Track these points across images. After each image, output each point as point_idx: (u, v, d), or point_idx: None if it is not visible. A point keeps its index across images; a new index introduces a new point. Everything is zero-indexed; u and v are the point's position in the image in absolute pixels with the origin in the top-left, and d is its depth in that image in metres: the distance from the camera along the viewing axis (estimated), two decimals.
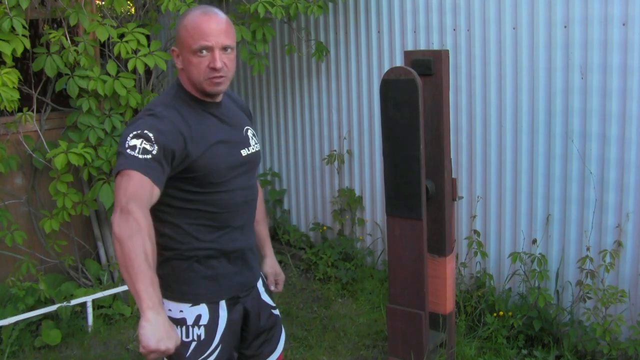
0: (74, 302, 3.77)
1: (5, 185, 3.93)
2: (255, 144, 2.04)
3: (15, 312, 3.64)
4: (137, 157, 1.69)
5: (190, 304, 1.92)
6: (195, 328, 1.92)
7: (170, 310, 1.91)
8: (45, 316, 3.74)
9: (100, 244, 4.22)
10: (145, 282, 1.53)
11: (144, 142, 1.71)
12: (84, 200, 3.90)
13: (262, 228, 2.26)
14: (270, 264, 2.29)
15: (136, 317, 3.93)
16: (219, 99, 1.95)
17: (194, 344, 1.91)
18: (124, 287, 3.96)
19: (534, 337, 3.39)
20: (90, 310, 3.81)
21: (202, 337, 1.92)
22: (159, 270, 1.76)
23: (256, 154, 2.03)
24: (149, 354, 1.52)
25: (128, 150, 1.71)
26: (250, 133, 2.04)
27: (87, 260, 4.18)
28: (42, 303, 3.75)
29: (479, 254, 3.66)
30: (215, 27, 1.81)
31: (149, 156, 1.70)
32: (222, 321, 1.95)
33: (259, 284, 2.14)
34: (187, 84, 1.90)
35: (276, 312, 2.21)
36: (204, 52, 1.81)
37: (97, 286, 4.02)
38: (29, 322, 3.70)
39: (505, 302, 3.55)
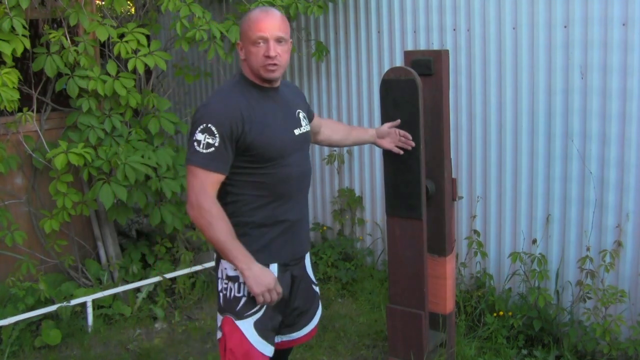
0: (74, 302, 3.77)
1: (5, 185, 3.93)
2: (306, 125, 2.32)
3: (15, 312, 3.65)
4: (202, 152, 2.07)
5: None
6: (245, 285, 2.15)
7: (226, 268, 2.21)
8: (45, 316, 3.74)
9: (100, 244, 4.22)
10: (233, 252, 2.08)
11: (207, 136, 2.06)
12: (84, 200, 3.90)
13: (355, 130, 2.74)
14: (378, 128, 2.69)
15: (136, 317, 3.94)
16: (276, 84, 2.23)
17: (244, 299, 2.19)
18: (124, 287, 3.97)
19: (534, 337, 3.39)
20: (90, 310, 3.81)
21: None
22: None
23: (307, 134, 2.32)
24: (260, 296, 2.10)
25: (195, 145, 2.08)
26: (301, 115, 2.31)
27: (87, 260, 4.18)
28: (42, 303, 3.75)
29: (479, 254, 3.66)
30: (270, 21, 2.11)
31: (212, 149, 2.06)
32: None
33: (307, 257, 2.39)
34: (249, 72, 2.20)
35: (316, 288, 2.46)
36: (261, 42, 2.10)
37: (97, 286, 4.02)
38: (29, 322, 3.70)
39: (505, 302, 3.55)
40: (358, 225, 4.53)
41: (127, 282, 4.11)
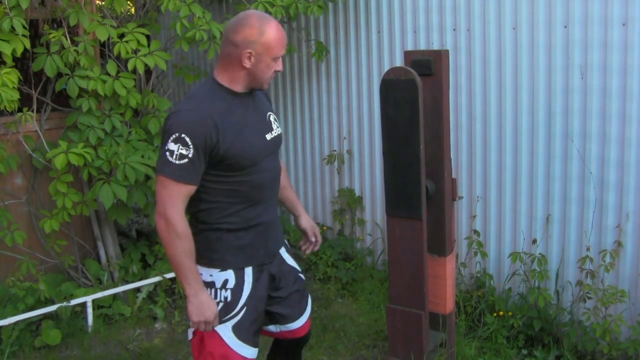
0: (74, 302, 3.77)
1: (5, 185, 3.93)
2: (277, 127, 2.32)
3: (15, 312, 3.64)
4: (174, 163, 2.03)
5: (219, 270, 2.21)
6: (223, 291, 2.20)
7: (201, 274, 2.19)
8: (45, 316, 3.74)
9: (100, 243, 4.22)
10: (186, 274, 2.08)
11: (181, 147, 2.02)
12: (84, 200, 3.90)
13: (290, 192, 2.56)
14: (306, 219, 2.56)
15: (136, 317, 3.94)
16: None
17: (221, 304, 2.21)
18: (124, 287, 3.97)
19: (534, 337, 3.39)
20: (90, 310, 3.81)
21: (229, 299, 2.21)
22: (194, 240, 2.12)
23: (278, 137, 2.31)
24: (195, 325, 2.12)
25: (167, 155, 2.03)
26: (272, 118, 2.32)
27: (87, 260, 4.18)
28: (42, 303, 3.75)
29: (479, 254, 3.66)
30: (285, 40, 2.19)
31: (186, 160, 2.03)
32: (247, 286, 2.24)
33: (282, 250, 2.42)
34: (226, 79, 2.17)
35: (301, 275, 2.50)
36: (279, 59, 2.17)
37: (97, 286, 4.02)
38: (29, 322, 3.70)
39: (505, 302, 3.55)
40: (358, 225, 4.53)
41: (127, 282, 4.11)
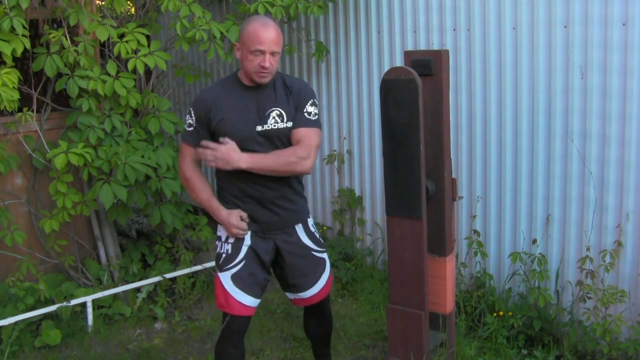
0: (74, 302, 3.77)
1: (5, 185, 3.93)
2: (276, 122, 2.56)
3: (15, 312, 3.65)
4: (185, 129, 2.65)
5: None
6: (225, 244, 2.66)
7: (218, 229, 2.72)
8: (45, 316, 3.74)
9: (100, 243, 4.22)
10: (203, 203, 2.65)
11: (189, 117, 2.63)
12: (84, 200, 3.90)
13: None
14: None
15: (136, 317, 3.94)
16: (261, 84, 2.55)
17: (223, 255, 2.66)
18: (124, 287, 3.97)
19: (534, 337, 3.39)
20: (90, 310, 3.81)
21: (229, 251, 2.64)
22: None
23: (272, 131, 2.56)
24: (229, 233, 2.62)
25: (185, 123, 2.66)
26: (274, 114, 2.57)
27: (87, 260, 4.18)
28: (42, 303, 3.76)
29: (479, 254, 3.66)
30: (268, 37, 2.45)
31: (190, 128, 2.62)
32: (245, 246, 2.63)
33: (299, 228, 2.72)
34: (241, 72, 2.59)
35: (319, 254, 2.77)
36: (258, 53, 2.45)
37: (97, 286, 4.02)
38: (29, 322, 3.70)
39: (505, 302, 3.55)
40: (358, 225, 4.53)
41: (127, 282, 4.11)
